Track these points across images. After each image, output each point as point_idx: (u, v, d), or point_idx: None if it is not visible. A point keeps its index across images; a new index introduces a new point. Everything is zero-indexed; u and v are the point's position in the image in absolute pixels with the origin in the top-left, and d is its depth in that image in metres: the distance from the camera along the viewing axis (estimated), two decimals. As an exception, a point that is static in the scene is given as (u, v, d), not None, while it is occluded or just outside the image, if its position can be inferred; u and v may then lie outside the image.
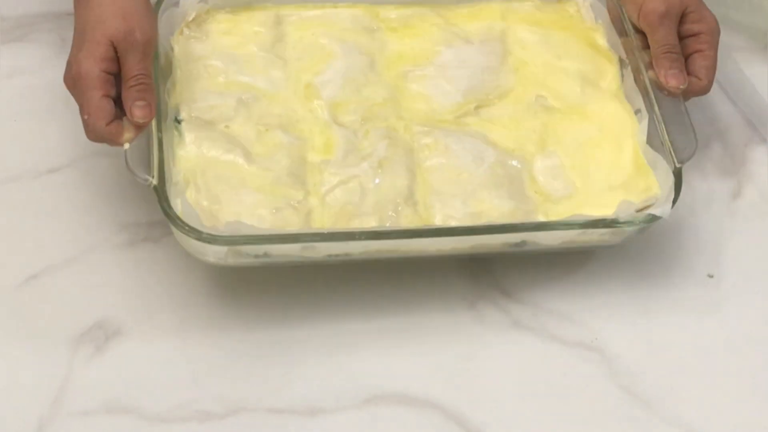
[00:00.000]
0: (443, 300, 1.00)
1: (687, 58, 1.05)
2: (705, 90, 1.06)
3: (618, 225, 0.97)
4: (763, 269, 1.03)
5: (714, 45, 1.06)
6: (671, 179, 0.98)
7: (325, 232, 0.95)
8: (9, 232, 1.05)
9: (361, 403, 0.95)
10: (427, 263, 1.02)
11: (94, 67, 0.96)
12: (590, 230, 0.97)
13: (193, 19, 1.08)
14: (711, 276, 1.03)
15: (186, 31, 1.08)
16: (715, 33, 1.06)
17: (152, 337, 0.98)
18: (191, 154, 1.00)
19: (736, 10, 1.16)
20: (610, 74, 1.09)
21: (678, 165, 0.99)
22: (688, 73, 1.04)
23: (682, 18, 1.06)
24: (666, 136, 1.01)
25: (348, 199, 0.99)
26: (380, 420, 0.94)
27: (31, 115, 1.13)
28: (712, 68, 1.05)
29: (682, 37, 1.06)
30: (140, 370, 0.96)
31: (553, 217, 0.99)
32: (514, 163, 1.03)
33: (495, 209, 0.99)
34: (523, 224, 0.98)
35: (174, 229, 0.95)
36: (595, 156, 1.04)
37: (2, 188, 1.08)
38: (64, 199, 1.07)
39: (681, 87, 1.03)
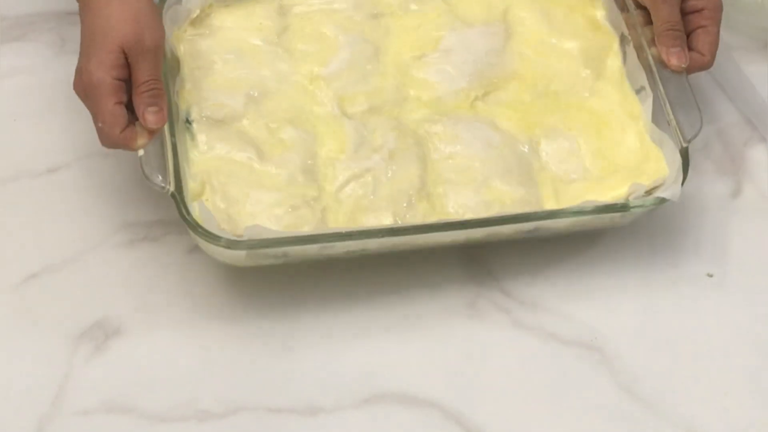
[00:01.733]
0: (443, 299, 1.00)
1: (690, 34, 1.05)
2: (707, 65, 1.06)
3: (628, 210, 0.97)
4: (763, 268, 1.03)
5: (717, 21, 1.06)
6: (679, 159, 0.99)
7: (344, 232, 0.96)
8: (9, 232, 1.05)
9: (361, 403, 0.95)
10: (427, 263, 1.02)
11: (105, 75, 0.96)
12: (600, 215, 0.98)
13: (197, 16, 1.08)
14: (711, 275, 1.03)
15: (190, 29, 1.08)
16: (718, 9, 1.06)
17: (152, 336, 0.98)
18: (205, 156, 1.01)
19: (736, 10, 1.16)
20: (612, 54, 1.09)
21: (684, 144, 1.00)
22: (691, 49, 1.05)
23: None
24: (671, 115, 1.01)
25: (362, 193, 1.00)
26: (380, 420, 0.94)
27: (31, 115, 1.13)
28: (715, 44, 1.05)
29: (684, 13, 1.06)
30: (140, 369, 0.96)
31: (564, 200, 1.00)
32: (523, 148, 1.03)
33: (507, 196, 1.00)
34: (535, 213, 0.98)
35: (192, 233, 0.95)
36: (601, 138, 1.04)
37: (2, 188, 1.08)
38: (63, 199, 1.07)
39: (683, 66, 1.04)
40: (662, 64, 1.04)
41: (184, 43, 1.07)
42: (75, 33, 1.17)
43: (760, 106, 1.14)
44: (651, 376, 0.96)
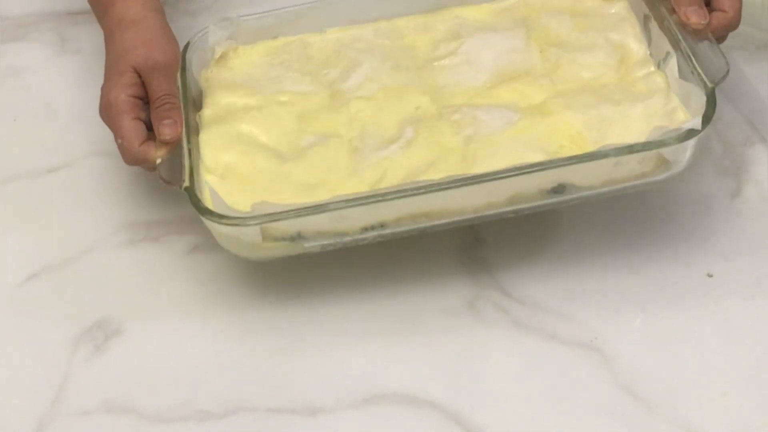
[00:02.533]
0: (443, 299, 1.00)
1: None
2: (734, 22, 1.04)
3: (650, 147, 0.95)
4: (763, 269, 1.03)
5: None
6: (703, 102, 0.97)
7: (354, 196, 0.94)
8: (9, 232, 1.05)
9: (361, 403, 0.95)
10: (427, 263, 1.02)
11: (120, 93, 1.00)
12: (627, 160, 0.95)
13: (221, 56, 1.10)
14: (710, 275, 1.03)
15: (215, 68, 1.10)
16: None
17: (151, 336, 0.98)
18: (226, 161, 1.01)
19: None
20: (636, 40, 1.08)
21: (710, 85, 0.97)
22: (714, 9, 1.03)
23: None
24: (696, 65, 1.00)
25: (379, 175, 0.99)
26: (380, 420, 0.94)
27: (31, 115, 1.13)
28: (738, 0, 1.04)
29: None
30: (139, 369, 0.96)
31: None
32: (545, 118, 1.02)
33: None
34: (553, 160, 0.95)
35: (211, 229, 0.96)
36: (627, 107, 1.02)
37: (2, 188, 1.08)
38: (63, 199, 1.07)
39: (702, 22, 1.02)
40: (683, 26, 1.03)
41: (210, 81, 1.09)
42: (75, 33, 1.18)
43: (760, 106, 1.14)
44: (651, 376, 0.96)
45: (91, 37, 1.13)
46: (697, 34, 1.02)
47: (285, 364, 0.97)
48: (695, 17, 1.02)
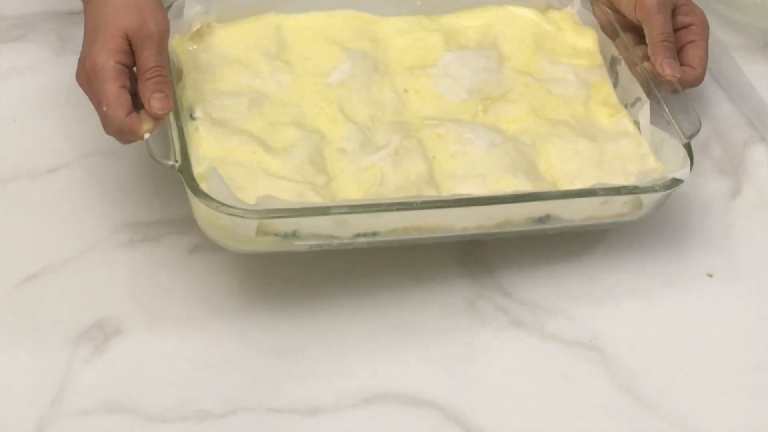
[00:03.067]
0: (443, 299, 1.00)
1: (680, 50, 1.08)
2: (699, 79, 1.07)
3: (640, 191, 0.98)
4: (763, 268, 1.03)
5: (705, 36, 1.08)
6: (680, 153, 1.00)
7: (360, 203, 0.95)
8: (9, 232, 1.05)
9: (361, 403, 0.95)
10: (428, 263, 1.02)
11: (108, 59, 0.95)
12: (612, 200, 0.98)
13: (197, 31, 1.09)
14: (710, 275, 1.03)
15: (190, 43, 1.08)
16: (705, 25, 1.09)
17: (151, 336, 0.98)
18: (211, 147, 1.00)
19: (736, 10, 1.16)
20: (601, 78, 1.10)
21: (685, 140, 1.01)
22: (682, 63, 1.07)
23: (673, 11, 1.09)
24: (670, 115, 1.03)
25: (370, 183, 1.00)
26: (380, 420, 0.94)
27: (31, 115, 1.13)
28: (705, 58, 1.08)
29: (673, 30, 1.07)
30: (139, 369, 0.96)
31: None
32: (527, 146, 1.04)
33: (513, 188, 0.99)
34: (548, 193, 0.99)
35: (198, 212, 0.94)
36: (600, 145, 1.05)
37: (2, 188, 1.08)
38: (63, 199, 1.07)
39: (677, 75, 1.05)
40: (656, 75, 1.06)
41: (185, 53, 1.07)
42: (75, 33, 1.18)
43: (760, 106, 1.14)
44: (651, 376, 0.96)
45: (91, 37, 1.12)
46: (669, 85, 1.05)
47: (285, 364, 0.97)
48: (670, 69, 1.06)
